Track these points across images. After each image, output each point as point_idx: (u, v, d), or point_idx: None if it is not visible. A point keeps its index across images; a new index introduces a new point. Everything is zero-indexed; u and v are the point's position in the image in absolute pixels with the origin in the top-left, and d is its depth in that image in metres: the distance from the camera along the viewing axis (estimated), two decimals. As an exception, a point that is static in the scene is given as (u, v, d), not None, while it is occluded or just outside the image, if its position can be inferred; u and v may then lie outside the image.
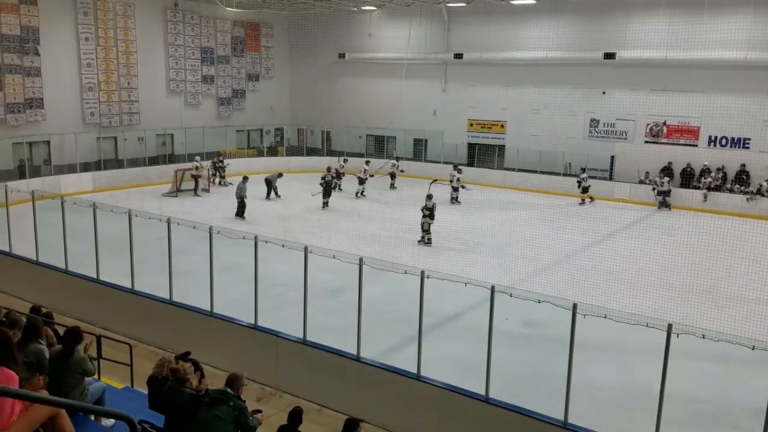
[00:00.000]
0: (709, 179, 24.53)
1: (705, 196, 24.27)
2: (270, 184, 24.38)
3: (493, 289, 8.16)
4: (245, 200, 21.05)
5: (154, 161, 27.72)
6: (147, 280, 11.97)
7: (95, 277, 12.39)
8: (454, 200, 24.21)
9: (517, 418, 8.01)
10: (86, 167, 25.33)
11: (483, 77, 29.97)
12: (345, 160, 27.37)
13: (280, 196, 24.39)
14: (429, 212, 18.18)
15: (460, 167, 25.63)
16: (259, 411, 6.57)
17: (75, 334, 6.61)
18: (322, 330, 10.21)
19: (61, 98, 25.65)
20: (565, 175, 27.39)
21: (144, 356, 10.53)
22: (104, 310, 12.20)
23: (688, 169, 25.30)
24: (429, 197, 18.37)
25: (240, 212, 20.92)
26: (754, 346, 6.88)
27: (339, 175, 25.93)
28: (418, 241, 18.22)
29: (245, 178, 21.49)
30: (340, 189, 25.60)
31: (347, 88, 34.08)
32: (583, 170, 25.82)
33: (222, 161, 27.62)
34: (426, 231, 18.23)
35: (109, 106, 27.53)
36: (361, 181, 25.17)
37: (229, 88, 32.67)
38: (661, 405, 7.28)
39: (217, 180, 27.03)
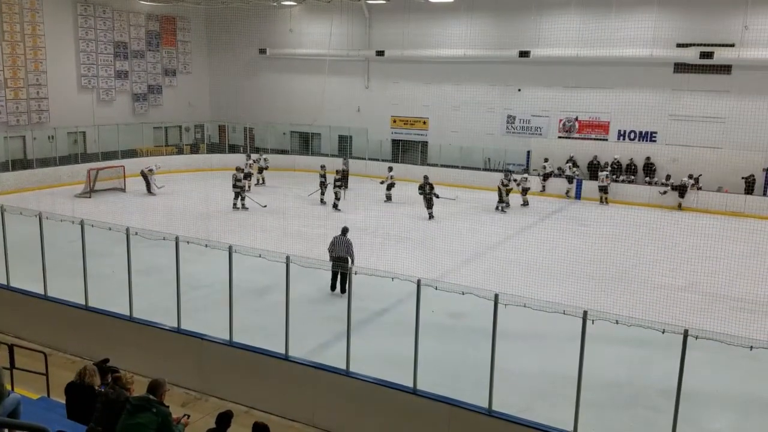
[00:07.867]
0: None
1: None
2: (146, 177, 24.34)
3: (419, 283, 8.28)
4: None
5: (65, 161, 26.45)
6: (62, 285, 11.45)
7: (5, 283, 11.76)
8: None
9: (445, 408, 8.16)
10: (-8, 168, 23.98)
11: (405, 74, 30.25)
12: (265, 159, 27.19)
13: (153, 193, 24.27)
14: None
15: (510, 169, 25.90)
16: (186, 415, 6.47)
17: None
18: (249, 331, 10.08)
19: (-38, 96, 24.18)
20: (485, 170, 28.03)
21: (60, 365, 10.10)
22: (16, 318, 11.61)
23: (595, 162, 26.36)
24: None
25: (342, 284, 13.35)
26: (663, 330, 7.24)
27: (248, 176, 23.84)
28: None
29: (345, 230, 13.95)
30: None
31: (269, 84, 33.60)
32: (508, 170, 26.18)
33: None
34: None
35: (17, 104, 26.13)
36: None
37: (144, 84, 31.60)
38: (579, 390, 7.56)
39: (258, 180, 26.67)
